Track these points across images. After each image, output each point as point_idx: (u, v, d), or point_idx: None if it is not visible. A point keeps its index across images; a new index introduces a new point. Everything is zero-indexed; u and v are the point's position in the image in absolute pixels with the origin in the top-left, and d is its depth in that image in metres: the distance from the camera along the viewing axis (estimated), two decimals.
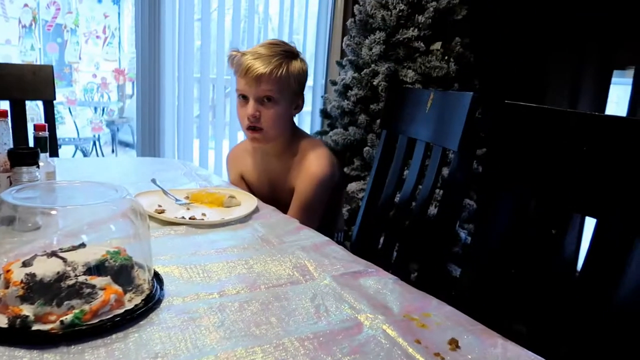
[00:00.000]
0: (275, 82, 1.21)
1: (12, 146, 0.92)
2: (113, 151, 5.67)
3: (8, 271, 0.61)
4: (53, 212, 0.64)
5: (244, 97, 1.25)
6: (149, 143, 2.70)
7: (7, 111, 0.92)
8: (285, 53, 1.23)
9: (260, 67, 1.19)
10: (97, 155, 5.25)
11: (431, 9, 2.13)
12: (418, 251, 1.29)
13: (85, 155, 5.10)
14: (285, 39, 3.02)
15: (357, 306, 0.69)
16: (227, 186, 1.36)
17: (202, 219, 1.02)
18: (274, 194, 1.36)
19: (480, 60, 2.30)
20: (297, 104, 1.29)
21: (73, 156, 4.89)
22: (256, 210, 1.11)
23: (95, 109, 5.38)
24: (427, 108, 1.31)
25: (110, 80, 4.58)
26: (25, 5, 3.69)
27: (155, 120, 2.71)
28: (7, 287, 0.59)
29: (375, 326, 0.64)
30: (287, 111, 1.27)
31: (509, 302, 0.99)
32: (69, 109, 4.91)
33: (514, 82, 2.47)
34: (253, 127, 1.25)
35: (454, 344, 0.61)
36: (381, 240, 1.45)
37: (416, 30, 2.15)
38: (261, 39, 2.99)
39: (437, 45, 2.20)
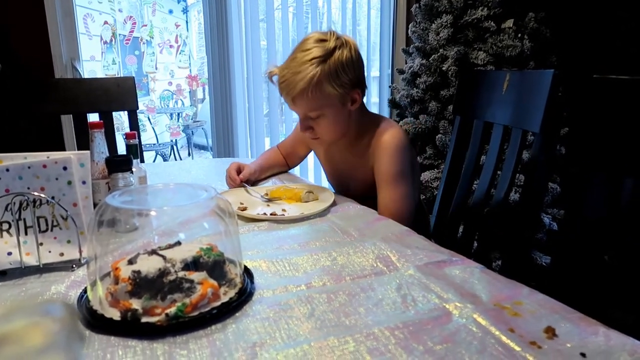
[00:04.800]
0: (311, 100, 1.11)
1: (108, 155, 1.00)
2: (189, 154, 5.95)
3: (116, 269, 0.66)
4: (152, 213, 0.69)
5: None
6: (224, 144, 2.81)
7: (102, 123, 1.00)
8: (316, 60, 1.09)
9: (290, 89, 1.10)
10: (175, 159, 5.53)
11: None
12: (500, 239, 1.25)
13: (164, 159, 5.39)
14: (348, 31, 3.04)
15: (444, 295, 0.68)
16: (304, 182, 1.39)
17: (283, 215, 1.05)
18: (347, 184, 1.33)
19: (558, 35, 2.17)
20: (351, 99, 1.16)
21: (154, 161, 5.19)
22: (333, 203, 1.12)
23: (171, 115, 5.67)
24: (503, 90, 1.26)
25: (184, 87, 4.82)
26: (105, 22, 3.97)
27: (228, 122, 2.81)
28: (116, 283, 0.65)
29: (466, 315, 0.63)
30: (338, 115, 1.16)
31: (605, 289, 0.93)
32: (148, 117, 5.21)
33: (596, 56, 2.31)
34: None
35: (550, 332, 0.59)
36: (460, 229, 1.42)
37: (485, 9, 2.07)
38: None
39: (509, 23, 2.10)
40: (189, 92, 5.86)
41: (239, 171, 1.32)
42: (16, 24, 2.65)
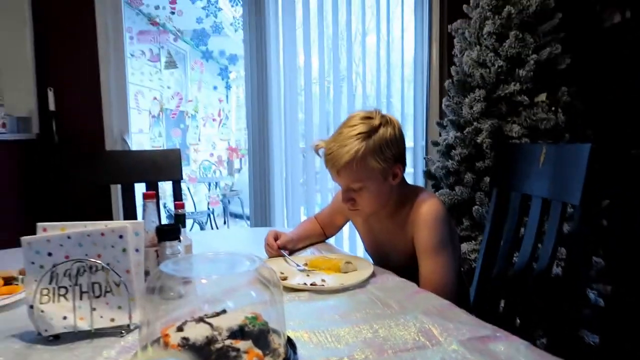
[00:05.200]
0: (355, 172, 1.16)
1: (158, 223, 1.05)
2: (225, 222, 6.06)
3: (166, 335, 0.68)
4: (202, 281, 0.72)
5: None
6: (261, 213, 2.87)
7: (154, 193, 1.06)
8: (361, 135, 1.15)
9: (335, 161, 1.16)
10: (212, 228, 5.63)
11: (532, 61, 2.11)
12: (544, 315, 1.21)
13: (201, 227, 5.51)
14: (383, 104, 3.15)
15: None
16: (342, 252, 1.40)
17: (323, 285, 1.06)
18: (387, 254, 1.34)
19: (591, 108, 2.19)
20: (393, 173, 1.20)
21: (190, 229, 5.31)
22: (372, 275, 1.13)
23: (209, 184, 5.86)
24: (540, 163, 1.28)
25: (224, 157, 5.04)
26: (154, 98, 4.26)
27: (265, 191, 2.89)
28: (166, 349, 0.67)
29: None
30: (380, 189, 1.21)
31: None
32: (188, 186, 5.41)
33: (631, 130, 2.30)
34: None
35: None
36: (501, 303, 1.38)
37: (518, 84, 2.13)
38: (360, 106, 3.12)
39: (542, 97, 2.14)
40: (227, 162, 6.08)
41: (276, 239, 1.36)
42: (74, 99, 2.88)
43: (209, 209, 5.66)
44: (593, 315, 1.98)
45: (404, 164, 1.23)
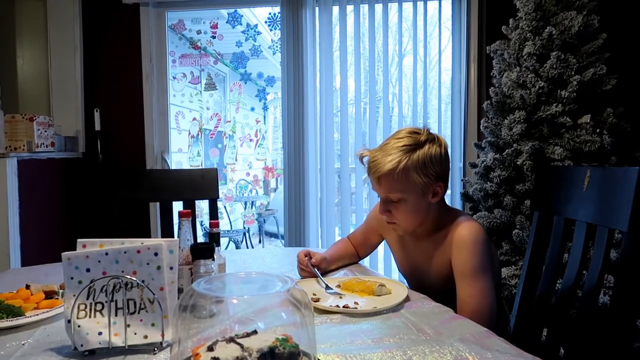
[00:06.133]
0: (395, 182, 1.16)
1: (192, 242, 1.06)
2: (260, 241, 6.10)
3: (197, 354, 0.68)
4: (234, 301, 0.72)
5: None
6: (295, 232, 2.88)
7: (190, 212, 1.08)
8: (406, 147, 1.17)
9: (377, 168, 1.17)
10: (247, 246, 5.67)
11: (575, 82, 2.05)
12: (591, 347, 1.14)
13: (237, 246, 5.56)
14: (419, 125, 3.11)
15: None
16: (376, 275, 1.38)
17: (356, 308, 1.04)
18: (421, 276, 1.31)
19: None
20: (433, 191, 1.20)
21: (226, 248, 5.36)
22: (407, 299, 1.10)
23: (245, 203, 5.93)
24: (584, 186, 1.23)
25: (260, 177, 5.11)
26: (194, 119, 4.37)
27: (300, 211, 2.90)
28: None
29: None
30: (418, 204, 1.20)
31: None
32: (224, 205, 5.49)
33: None
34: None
35: None
36: (543, 331, 1.32)
37: (560, 105, 2.07)
38: (396, 126, 3.11)
39: (586, 119, 2.07)
40: (263, 181, 6.15)
41: (308, 257, 1.34)
42: (119, 120, 2.99)
43: (244, 227, 5.71)
44: None
45: (445, 184, 1.23)
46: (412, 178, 1.16)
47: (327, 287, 1.19)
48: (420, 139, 1.19)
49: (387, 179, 1.17)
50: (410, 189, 1.18)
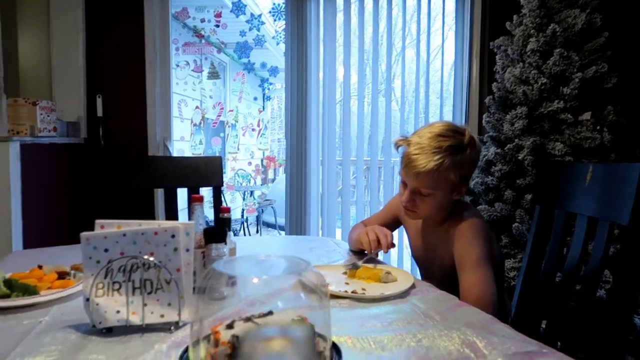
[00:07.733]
0: (433, 180, 1.19)
1: (205, 226, 1.08)
2: (257, 231, 6.13)
3: (216, 332, 0.71)
4: (254, 281, 0.74)
5: (403, 182, 1.28)
6: (296, 222, 2.90)
7: (203, 197, 1.10)
8: (450, 148, 1.19)
9: (419, 164, 1.18)
10: (244, 235, 5.70)
11: (577, 80, 2.08)
12: (587, 339, 1.18)
13: (235, 234, 5.59)
14: (420, 119, 3.15)
15: None
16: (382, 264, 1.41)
17: (363, 293, 1.07)
18: (429, 262, 1.37)
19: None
20: (458, 190, 1.25)
21: None
22: (413, 286, 1.13)
23: (244, 193, 5.95)
24: (586, 181, 1.26)
25: (261, 167, 5.14)
26: (197, 107, 4.39)
27: (301, 201, 2.92)
28: (216, 346, 0.69)
29: None
30: (443, 200, 1.25)
31: None
32: (223, 194, 5.53)
33: None
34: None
35: None
36: (542, 323, 1.35)
37: (562, 102, 2.10)
38: (397, 119, 3.13)
39: (587, 116, 2.10)
40: (263, 171, 6.17)
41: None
42: (121, 106, 2.99)
43: (242, 216, 5.74)
44: (639, 342, 1.91)
45: (467, 186, 1.29)
46: (449, 177, 1.20)
47: (335, 274, 1.22)
48: (465, 141, 1.22)
49: (426, 176, 1.19)
50: (442, 187, 1.22)
